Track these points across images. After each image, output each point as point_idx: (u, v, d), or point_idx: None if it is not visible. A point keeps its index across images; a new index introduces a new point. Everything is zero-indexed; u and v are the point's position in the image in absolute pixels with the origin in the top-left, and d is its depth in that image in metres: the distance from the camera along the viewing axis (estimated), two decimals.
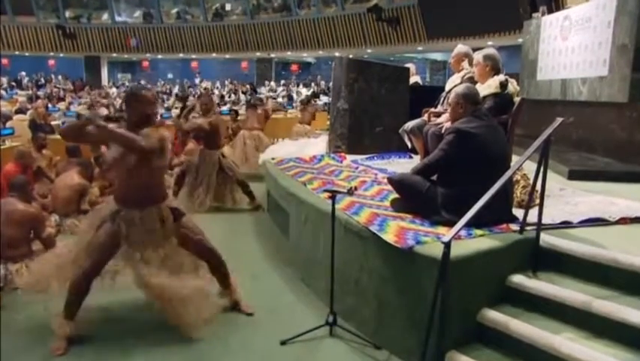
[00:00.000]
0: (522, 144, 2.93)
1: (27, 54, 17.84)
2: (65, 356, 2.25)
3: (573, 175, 3.68)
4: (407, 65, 4.97)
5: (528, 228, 2.31)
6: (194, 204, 4.56)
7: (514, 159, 2.49)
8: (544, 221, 2.28)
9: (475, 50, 3.50)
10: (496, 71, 3.09)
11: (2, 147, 5.21)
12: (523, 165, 2.25)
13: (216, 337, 2.44)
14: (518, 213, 2.43)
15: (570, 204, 2.85)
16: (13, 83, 16.06)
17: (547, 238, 2.28)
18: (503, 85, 2.98)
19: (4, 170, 4.18)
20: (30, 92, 14.05)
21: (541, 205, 2.24)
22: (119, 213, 2.35)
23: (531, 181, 2.36)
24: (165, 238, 2.42)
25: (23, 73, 17.53)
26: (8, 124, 6.61)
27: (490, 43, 11.08)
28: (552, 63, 5.32)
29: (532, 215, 2.28)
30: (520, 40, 7.34)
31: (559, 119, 2.25)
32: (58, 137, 6.38)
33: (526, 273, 2.24)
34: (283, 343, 2.36)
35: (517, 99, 3.03)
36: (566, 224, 2.47)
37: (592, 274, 2.13)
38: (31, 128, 6.67)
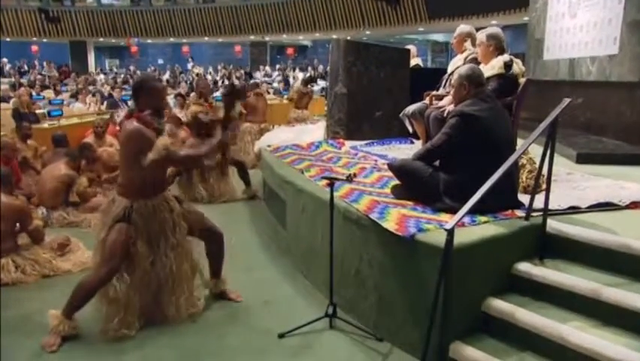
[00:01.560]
0: (528, 127, 2.85)
1: (8, 39, 17.33)
2: (57, 353, 2.19)
3: (581, 159, 3.62)
4: (407, 47, 4.85)
5: (534, 214, 2.26)
6: (190, 195, 4.49)
7: (520, 143, 2.41)
8: (551, 206, 2.23)
9: (478, 29, 3.40)
10: (500, 51, 3.00)
11: None
12: (529, 148, 2.20)
13: (213, 331, 2.40)
14: (524, 198, 2.38)
15: (578, 189, 2.80)
16: None
17: (554, 224, 2.23)
18: (508, 65, 2.90)
19: None
20: (13, 79, 13.67)
21: (547, 190, 2.19)
22: (133, 208, 2.31)
23: (537, 165, 2.31)
24: (176, 226, 2.43)
25: (5, 59, 17.00)
26: None
27: (494, 22, 10.91)
28: (560, 42, 5.19)
29: (539, 200, 2.23)
30: (525, 18, 7.20)
31: (566, 100, 2.18)
32: (44, 126, 6.22)
33: (532, 260, 2.19)
34: (281, 336, 2.31)
35: (522, 80, 2.96)
36: (574, 209, 2.42)
37: (601, 260, 2.09)
38: (14, 117, 6.49)
